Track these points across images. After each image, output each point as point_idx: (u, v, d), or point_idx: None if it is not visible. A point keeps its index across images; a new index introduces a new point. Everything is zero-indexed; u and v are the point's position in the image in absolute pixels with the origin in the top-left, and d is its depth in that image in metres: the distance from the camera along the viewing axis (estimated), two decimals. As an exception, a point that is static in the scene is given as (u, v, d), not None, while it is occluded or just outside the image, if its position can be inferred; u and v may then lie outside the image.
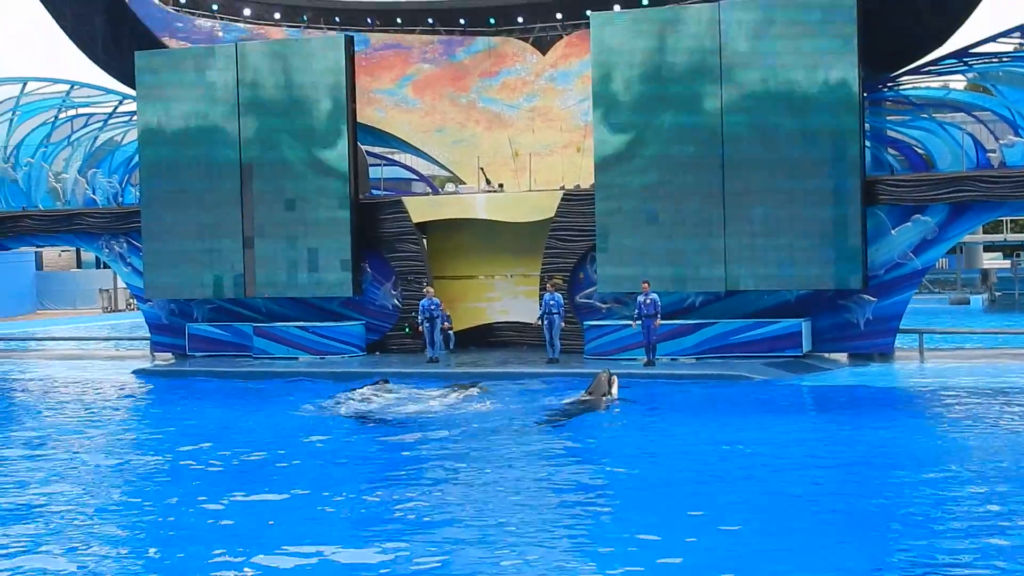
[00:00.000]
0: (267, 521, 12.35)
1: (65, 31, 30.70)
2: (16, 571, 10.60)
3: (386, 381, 22.61)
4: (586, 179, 27.06)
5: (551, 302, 24.98)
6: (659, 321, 24.14)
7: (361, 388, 21.82)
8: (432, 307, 25.84)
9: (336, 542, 11.35)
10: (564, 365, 24.65)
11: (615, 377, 20.71)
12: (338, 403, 20.70)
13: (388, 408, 20.04)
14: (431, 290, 26.34)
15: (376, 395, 21.37)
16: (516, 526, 11.83)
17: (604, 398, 20.14)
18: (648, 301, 24.10)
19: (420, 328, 26.11)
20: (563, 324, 25.31)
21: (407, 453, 16.18)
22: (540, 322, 25.31)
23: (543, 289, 26.07)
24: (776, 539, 11.25)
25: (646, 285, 24.33)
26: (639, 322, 24.23)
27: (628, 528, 11.72)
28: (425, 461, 15.46)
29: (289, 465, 15.61)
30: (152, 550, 11.41)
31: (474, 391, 21.58)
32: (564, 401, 20.49)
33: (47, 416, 21.06)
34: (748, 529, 11.57)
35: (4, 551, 11.28)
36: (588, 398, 20.32)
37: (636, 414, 19.40)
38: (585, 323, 25.98)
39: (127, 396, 24.03)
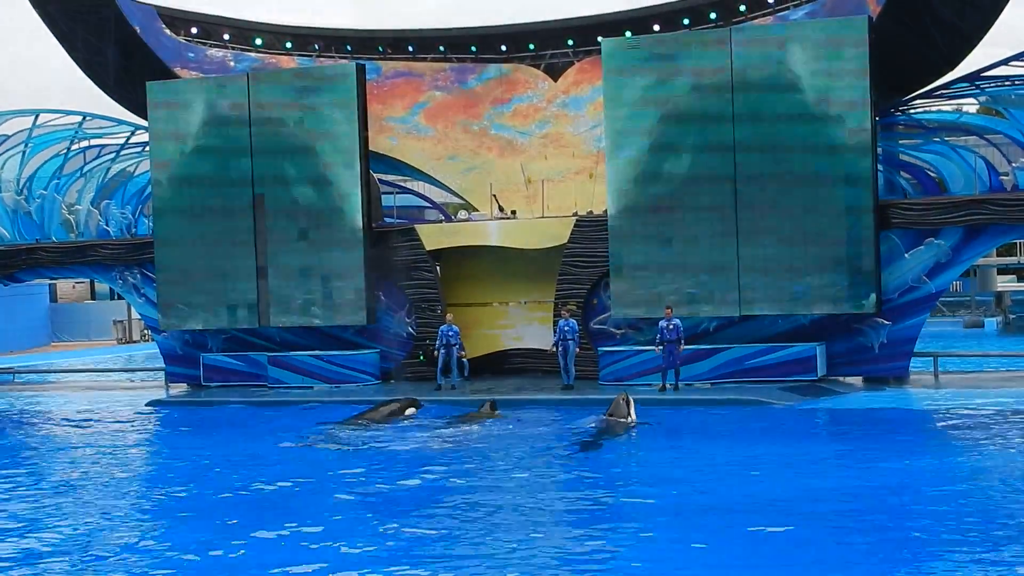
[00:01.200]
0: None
1: (77, 62, 30.85)
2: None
3: (414, 402, 23.00)
4: (599, 205, 27.06)
5: (566, 328, 24.96)
6: (683, 346, 24.19)
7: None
8: (451, 334, 25.81)
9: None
10: (579, 392, 24.62)
11: (632, 400, 20.80)
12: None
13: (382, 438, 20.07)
14: (451, 316, 26.33)
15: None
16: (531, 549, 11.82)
17: (623, 421, 20.23)
18: (671, 327, 24.15)
19: (436, 354, 26.06)
20: (578, 350, 25.27)
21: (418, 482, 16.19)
22: (555, 349, 25.27)
23: (558, 315, 26.04)
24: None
25: (669, 311, 24.34)
26: (661, 347, 24.25)
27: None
28: (444, 490, 15.45)
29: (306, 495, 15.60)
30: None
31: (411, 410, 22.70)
32: (583, 424, 20.58)
33: (47, 448, 21.14)
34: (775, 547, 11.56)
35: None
36: (607, 421, 20.42)
37: (655, 436, 19.42)
38: (600, 349, 25.92)
39: (137, 427, 24.05)
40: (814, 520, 12.98)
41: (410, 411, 22.94)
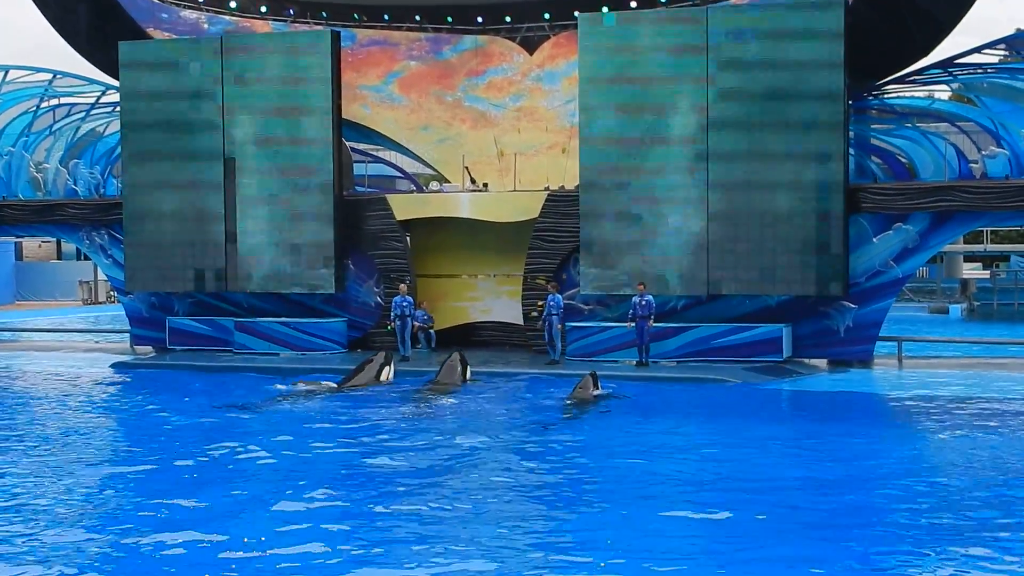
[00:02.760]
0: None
1: (49, 20, 30.49)
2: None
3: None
4: (571, 180, 27.06)
5: (551, 303, 25.04)
6: (651, 323, 24.38)
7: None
8: (404, 304, 25.94)
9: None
10: (540, 365, 24.76)
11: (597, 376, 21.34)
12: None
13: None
14: (404, 287, 26.39)
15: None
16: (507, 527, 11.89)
17: (590, 395, 20.80)
18: (643, 303, 24.31)
19: (391, 325, 26.15)
20: (560, 326, 25.33)
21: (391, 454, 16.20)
22: (542, 324, 25.41)
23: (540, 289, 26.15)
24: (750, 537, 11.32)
25: (642, 287, 24.46)
26: (633, 323, 24.36)
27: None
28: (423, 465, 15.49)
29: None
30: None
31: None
32: (552, 400, 20.76)
33: (17, 408, 21.05)
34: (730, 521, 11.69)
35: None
36: (575, 396, 20.67)
37: (620, 414, 19.58)
38: (568, 324, 25.98)
39: (101, 389, 23.94)
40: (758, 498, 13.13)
41: (386, 372, 23.25)
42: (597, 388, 21.16)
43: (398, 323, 25.94)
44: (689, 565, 10.54)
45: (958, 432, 17.39)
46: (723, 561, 10.64)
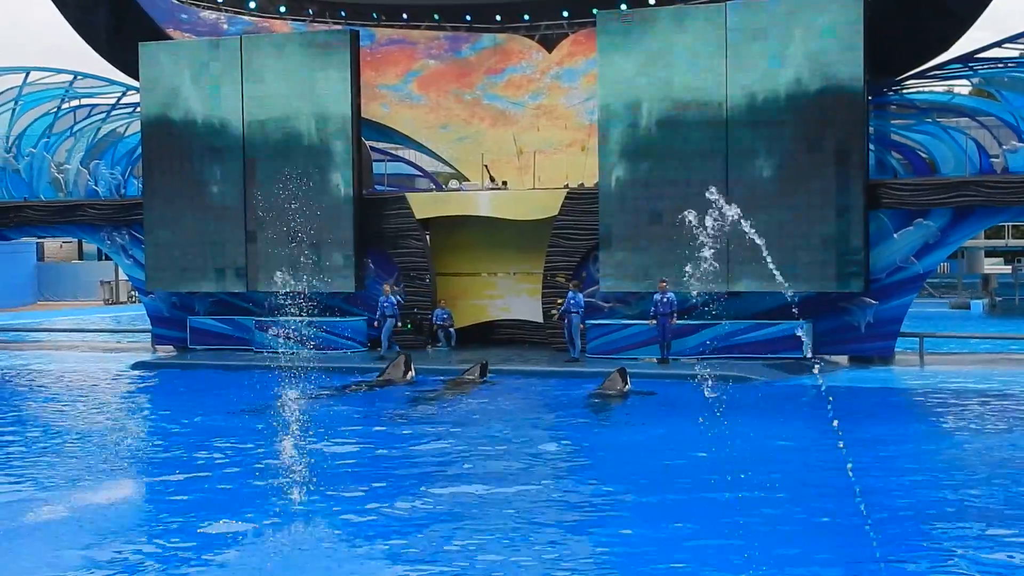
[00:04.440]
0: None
1: (69, 21, 30.65)
2: None
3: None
4: (590, 178, 27.05)
5: (571, 301, 25.04)
6: (674, 320, 24.38)
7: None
8: (387, 304, 26.19)
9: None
10: (560, 363, 24.79)
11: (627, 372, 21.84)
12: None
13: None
14: (387, 288, 26.55)
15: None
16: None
17: (619, 390, 21.10)
18: (665, 300, 24.34)
19: (375, 325, 26.52)
20: (582, 325, 25.33)
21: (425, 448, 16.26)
22: (561, 321, 25.43)
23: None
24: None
25: (663, 284, 24.43)
26: (655, 320, 24.38)
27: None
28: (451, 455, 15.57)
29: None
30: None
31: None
32: (584, 395, 21.16)
33: (35, 406, 21.16)
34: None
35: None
36: (603, 392, 21.05)
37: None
38: (588, 322, 25.97)
39: (119, 388, 24.08)
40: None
41: (409, 375, 23.47)
42: (626, 384, 21.26)
43: (385, 323, 26.27)
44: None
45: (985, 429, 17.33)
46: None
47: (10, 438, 17.56)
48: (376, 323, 26.60)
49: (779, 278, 22.46)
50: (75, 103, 31.51)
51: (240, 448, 16.35)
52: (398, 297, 26.76)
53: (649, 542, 11.32)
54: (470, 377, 22.88)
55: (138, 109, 29.63)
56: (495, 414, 19.40)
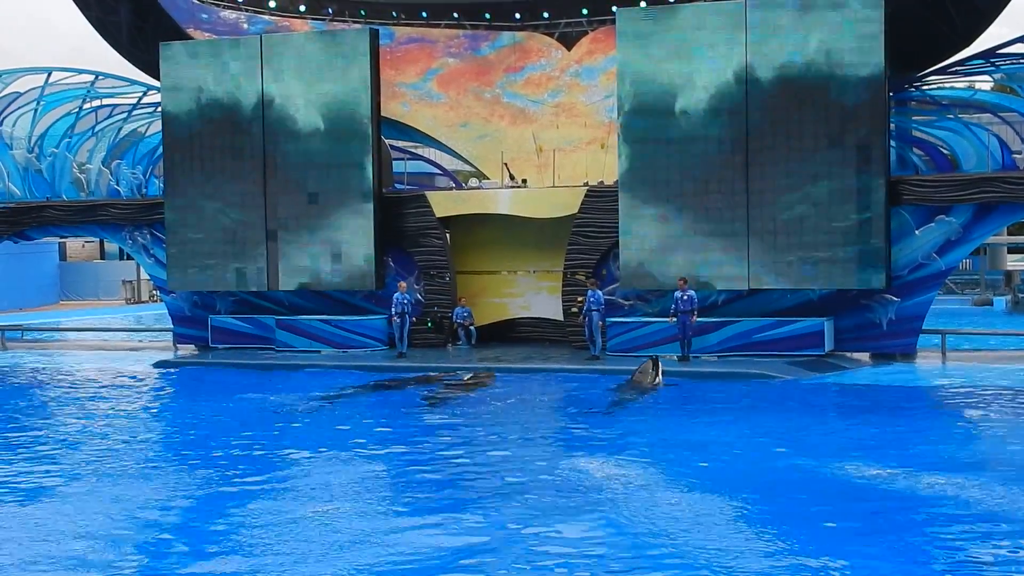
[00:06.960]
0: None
1: (90, 21, 30.75)
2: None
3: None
4: (610, 175, 27.02)
5: (591, 299, 25.02)
6: (695, 318, 24.35)
7: None
8: (404, 301, 26.15)
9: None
10: (580, 361, 24.82)
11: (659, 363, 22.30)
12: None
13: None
14: (404, 284, 26.56)
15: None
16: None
17: (651, 381, 21.52)
18: (685, 298, 24.34)
19: (391, 322, 26.58)
20: (602, 323, 25.30)
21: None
22: (583, 319, 25.45)
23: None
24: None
25: (683, 282, 24.40)
26: (675, 318, 24.40)
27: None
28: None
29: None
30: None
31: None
32: (613, 388, 21.51)
33: (55, 407, 21.31)
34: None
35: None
36: (636, 382, 21.49)
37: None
38: (608, 320, 25.94)
39: (141, 387, 24.19)
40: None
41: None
42: (658, 375, 21.42)
43: (397, 321, 26.29)
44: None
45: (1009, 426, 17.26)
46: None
47: (54, 434, 17.75)
48: (391, 320, 26.58)
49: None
50: (96, 103, 31.58)
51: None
52: (413, 295, 26.72)
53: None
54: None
55: (158, 109, 29.73)
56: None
